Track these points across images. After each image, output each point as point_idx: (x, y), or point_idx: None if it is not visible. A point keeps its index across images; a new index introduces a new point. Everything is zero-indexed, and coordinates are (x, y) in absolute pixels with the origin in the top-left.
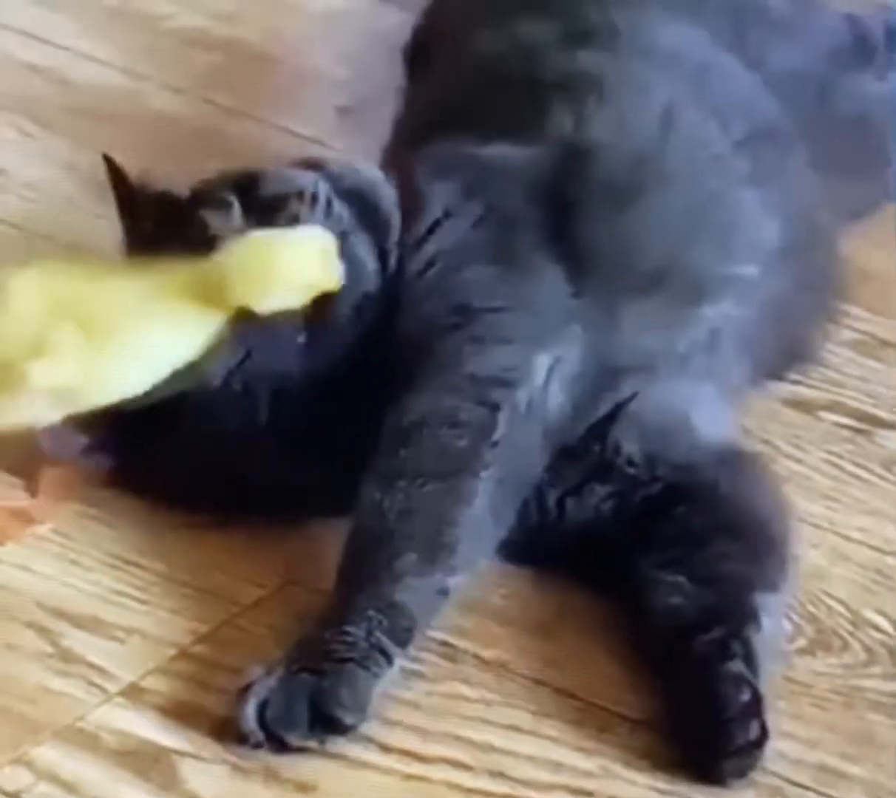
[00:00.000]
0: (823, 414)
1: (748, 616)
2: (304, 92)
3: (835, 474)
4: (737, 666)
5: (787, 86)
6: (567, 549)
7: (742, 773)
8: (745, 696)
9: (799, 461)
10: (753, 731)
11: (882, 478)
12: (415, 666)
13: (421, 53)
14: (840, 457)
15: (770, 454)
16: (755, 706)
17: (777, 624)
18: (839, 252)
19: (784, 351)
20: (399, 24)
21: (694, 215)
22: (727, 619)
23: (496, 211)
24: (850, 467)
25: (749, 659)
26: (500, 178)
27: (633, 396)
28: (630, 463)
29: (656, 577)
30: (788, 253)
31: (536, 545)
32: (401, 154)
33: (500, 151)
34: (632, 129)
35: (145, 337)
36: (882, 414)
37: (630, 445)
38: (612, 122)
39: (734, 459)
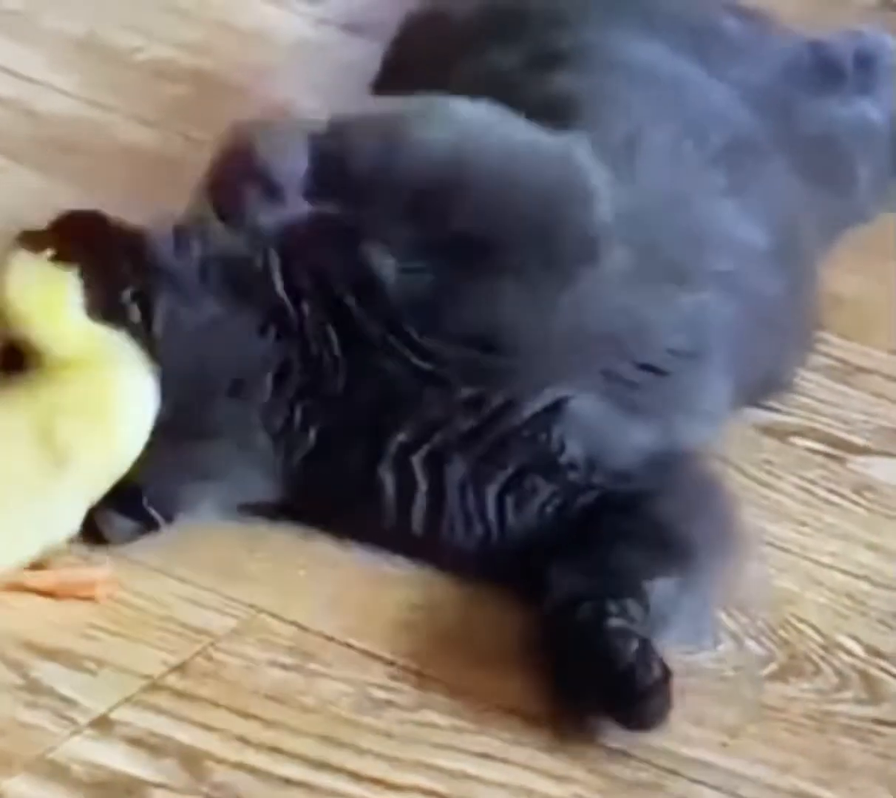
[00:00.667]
0: (796, 440)
1: (631, 588)
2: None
3: (807, 499)
4: (616, 622)
5: (746, 101)
6: (514, 562)
7: (661, 714)
8: (634, 645)
9: (771, 487)
10: (656, 671)
11: (854, 503)
12: (386, 694)
13: (391, 84)
14: (812, 482)
15: (742, 480)
16: (648, 652)
17: (676, 606)
18: (818, 270)
19: (765, 373)
20: (369, 54)
21: (667, 218)
22: (611, 592)
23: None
24: (823, 493)
25: (630, 618)
26: None
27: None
28: (571, 466)
29: (557, 569)
30: (776, 257)
31: (483, 557)
32: None
33: None
34: (605, 148)
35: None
36: (855, 439)
37: (573, 446)
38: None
39: (674, 471)
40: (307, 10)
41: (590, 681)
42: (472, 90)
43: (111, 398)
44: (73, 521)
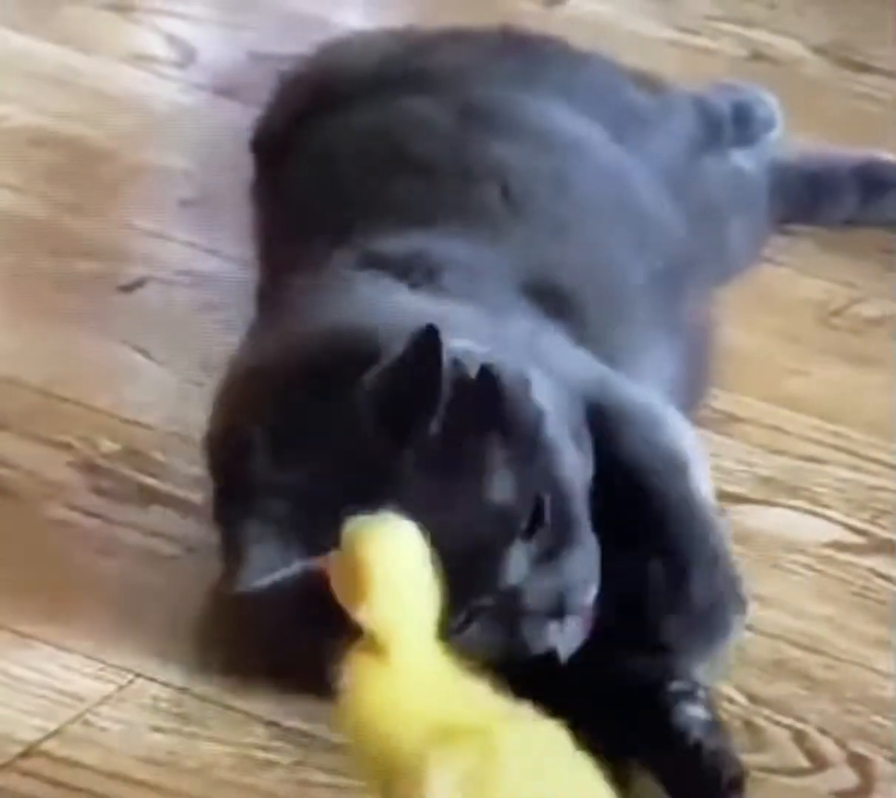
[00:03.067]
0: None
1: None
2: (145, 186)
3: None
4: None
5: (661, 182)
6: None
7: None
8: (715, 738)
9: None
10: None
11: (734, 553)
12: (267, 755)
13: (279, 144)
14: None
15: None
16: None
17: None
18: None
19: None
20: (241, 117)
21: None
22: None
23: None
24: None
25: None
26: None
27: None
28: None
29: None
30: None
31: None
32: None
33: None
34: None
35: None
36: (733, 489)
37: None
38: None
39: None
40: (178, 74)
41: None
42: (390, 133)
43: None
44: None
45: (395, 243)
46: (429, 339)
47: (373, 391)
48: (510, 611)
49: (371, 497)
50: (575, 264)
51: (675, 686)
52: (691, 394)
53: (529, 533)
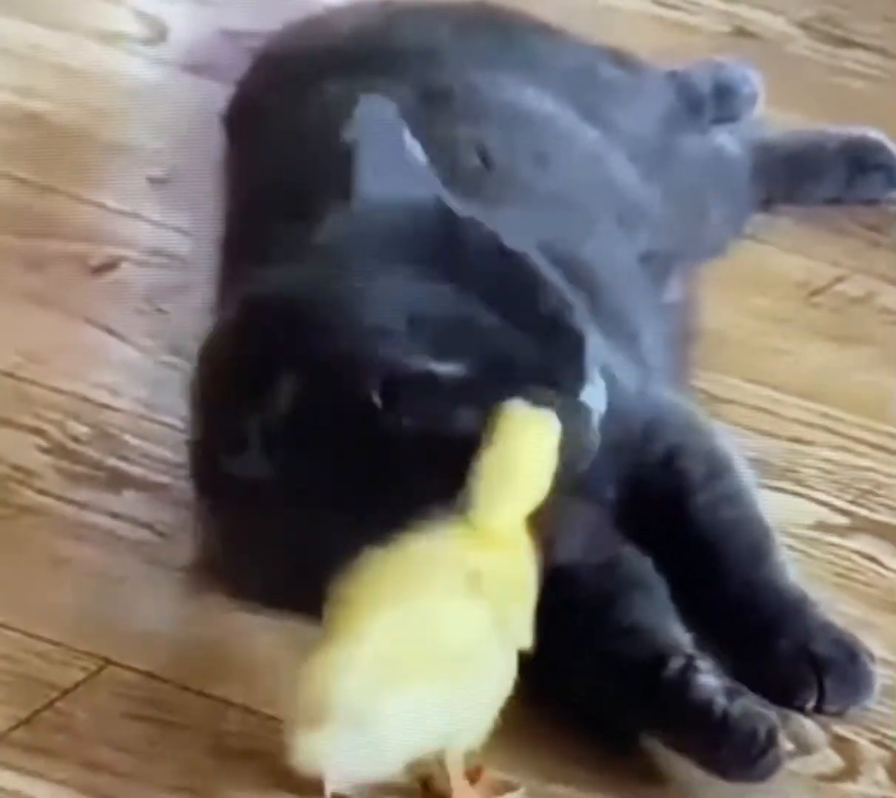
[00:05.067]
0: None
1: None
2: (114, 165)
3: None
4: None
5: (633, 160)
6: None
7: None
8: (739, 703)
9: None
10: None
11: None
12: (242, 742)
13: (251, 118)
14: None
15: None
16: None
17: None
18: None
19: None
20: (210, 94)
21: None
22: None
23: None
24: None
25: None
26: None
27: None
28: None
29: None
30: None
31: None
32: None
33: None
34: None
35: None
36: None
37: None
38: None
39: None
40: (148, 51)
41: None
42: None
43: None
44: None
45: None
46: None
47: None
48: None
49: None
50: (579, 237)
51: (674, 663)
52: (676, 375)
53: None
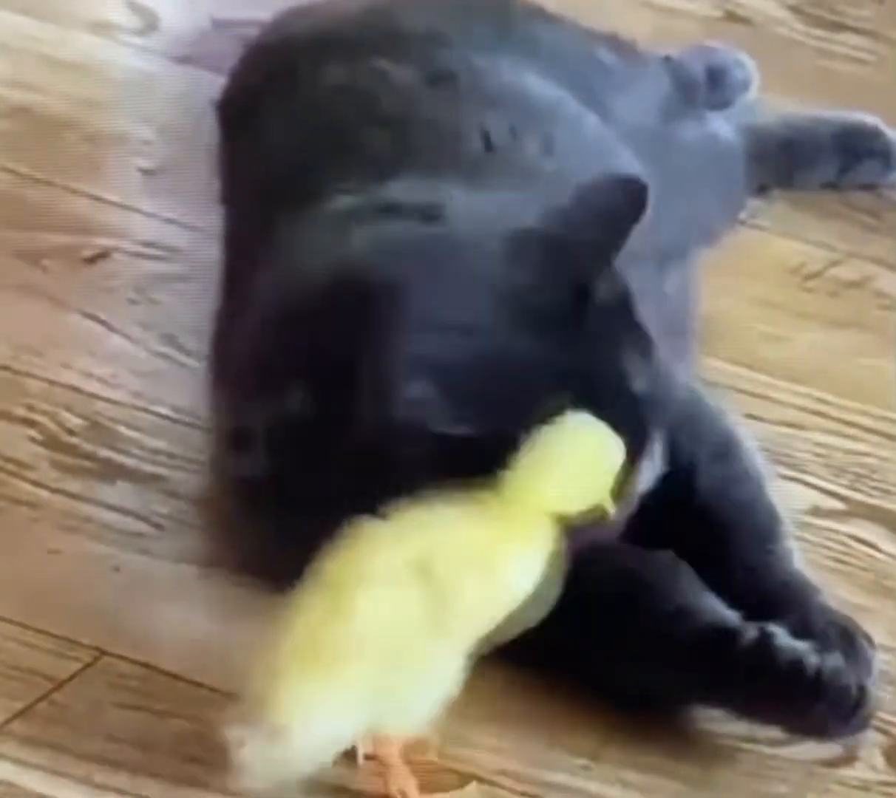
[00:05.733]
0: None
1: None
2: (106, 156)
3: None
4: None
5: (630, 143)
6: None
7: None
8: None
9: None
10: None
11: None
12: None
13: (248, 105)
14: None
15: None
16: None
17: None
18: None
19: None
20: (201, 83)
21: None
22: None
23: None
24: None
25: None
26: None
27: None
28: None
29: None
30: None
31: None
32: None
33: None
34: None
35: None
36: None
37: None
38: None
39: None
40: (135, 40)
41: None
42: (357, 96)
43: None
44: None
45: (401, 189)
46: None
47: None
48: None
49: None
50: None
51: (749, 634)
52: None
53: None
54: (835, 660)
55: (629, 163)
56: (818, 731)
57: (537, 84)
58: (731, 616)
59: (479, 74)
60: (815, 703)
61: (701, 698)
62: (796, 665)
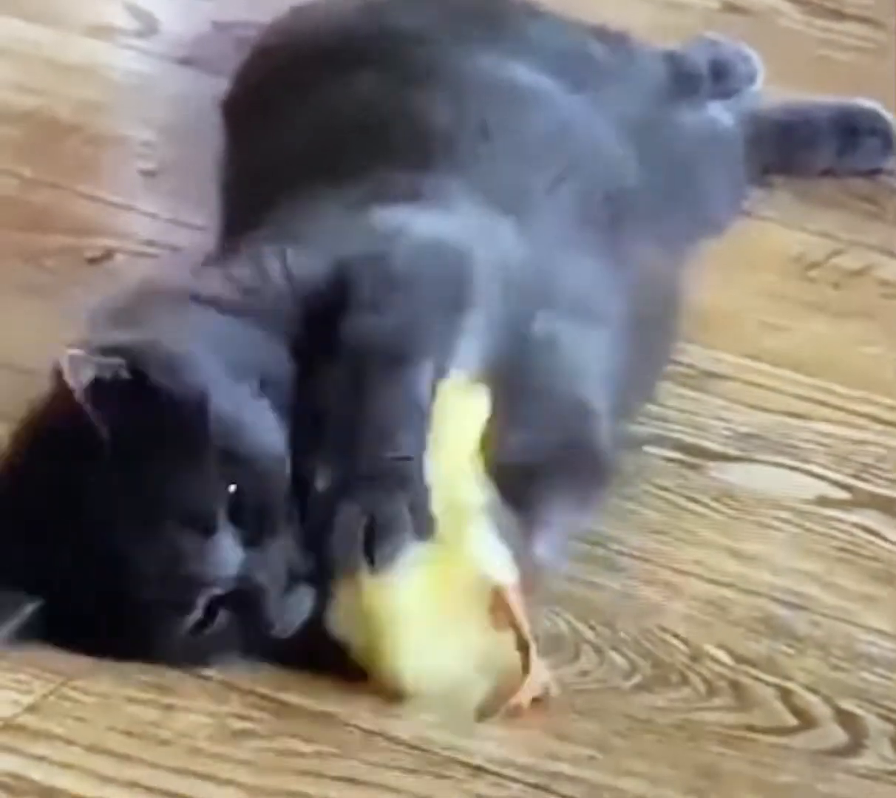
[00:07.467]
0: (650, 449)
1: None
2: (108, 158)
3: (665, 508)
4: None
5: (620, 133)
6: None
7: None
8: None
9: (627, 497)
10: None
11: (713, 510)
12: (244, 724)
13: (252, 106)
14: (669, 491)
15: None
16: None
17: None
18: (681, 301)
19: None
20: (202, 87)
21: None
22: None
23: None
24: (681, 501)
25: None
26: None
27: None
28: None
29: None
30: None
31: None
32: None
33: None
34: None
35: None
36: (709, 445)
37: None
38: None
39: None
40: (140, 44)
41: None
42: (338, 111)
43: None
44: None
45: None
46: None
47: None
48: (246, 597)
49: None
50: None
51: None
52: (652, 344)
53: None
54: None
55: (605, 140)
56: None
57: (526, 76)
58: None
59: (471, 70)
60: None
61: None
62: None
